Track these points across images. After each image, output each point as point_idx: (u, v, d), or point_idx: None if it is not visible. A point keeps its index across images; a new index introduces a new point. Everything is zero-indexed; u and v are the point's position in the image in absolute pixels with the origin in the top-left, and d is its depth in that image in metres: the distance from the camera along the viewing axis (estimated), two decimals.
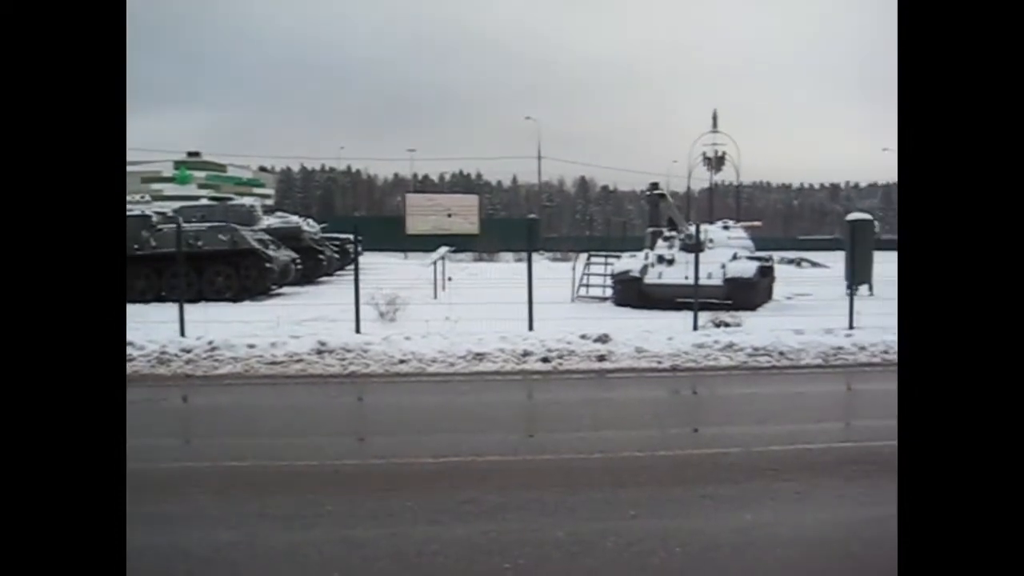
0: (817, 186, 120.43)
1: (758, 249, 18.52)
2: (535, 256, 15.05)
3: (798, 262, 35.87)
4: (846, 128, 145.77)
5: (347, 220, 38.32)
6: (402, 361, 9.04)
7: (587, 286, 18.40)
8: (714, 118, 41.28)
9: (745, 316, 12.64)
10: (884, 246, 32.18)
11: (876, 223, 22.35)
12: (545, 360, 9.23)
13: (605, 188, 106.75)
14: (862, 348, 9.95)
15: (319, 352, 9.15)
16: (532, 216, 55.57)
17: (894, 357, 9.72)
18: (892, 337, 10.30)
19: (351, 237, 20.54)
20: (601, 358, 9.34)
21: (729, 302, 14.53)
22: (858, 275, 18.46)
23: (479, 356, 9.18)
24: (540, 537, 4.09)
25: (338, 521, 4.33)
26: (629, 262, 16.98)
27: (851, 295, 12.38)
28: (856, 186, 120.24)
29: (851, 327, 11.07)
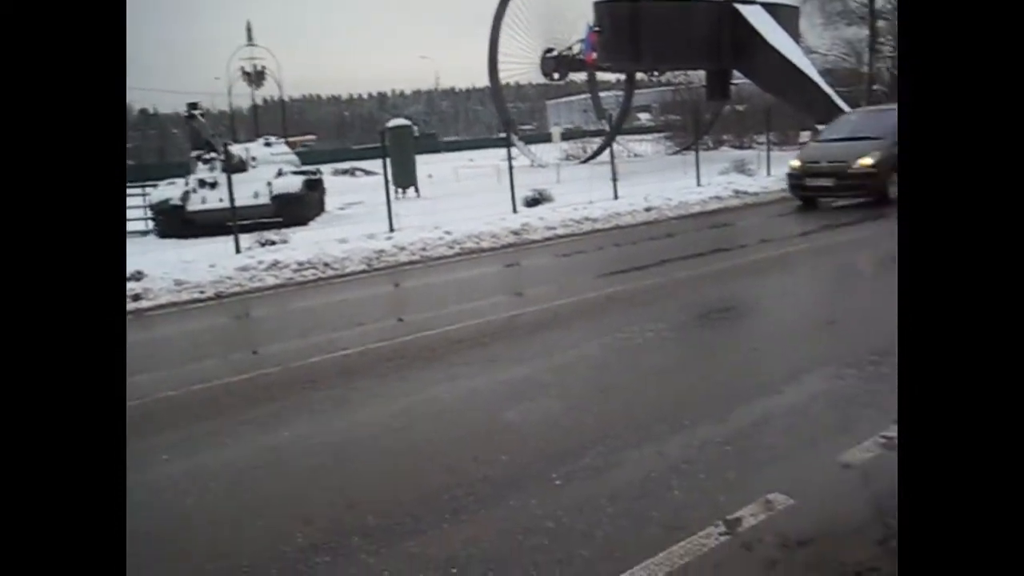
0: (367, 96, 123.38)
1: (313, 162, 18.47)
2: None
3: (352, 171, 36.61)
4: (390, 39, 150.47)
5: None
6: None
7: None
8: (248, 31, 39.60)
9: (295, 232, 12.57)
10: (425, 148, 34.12)
11: (415, 128, 23.39)
12: None
13: (144, 112, 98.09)
14: (402, 248, 10.45)
15: None
16: None
17: (432, 253, 10.40)
18: (429, 234, 10.98)
19: None
20: (136, 297, 8.60)
21: (279, 219, 14.33)
22: (402, 179, 19.39)
23: None
24: None
25: None
26: (168, 190, 15.87)
27: (389, 200, 12.79)
28: (402, 93, 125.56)
29: (391, 230, 11.56)
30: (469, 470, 3.72)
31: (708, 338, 6.03)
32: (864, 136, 12.76)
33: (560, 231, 11.63)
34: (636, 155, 32.35)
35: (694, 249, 9.92)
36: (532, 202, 14.12)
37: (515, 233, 11.36)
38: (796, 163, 13.38)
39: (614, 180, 15.13)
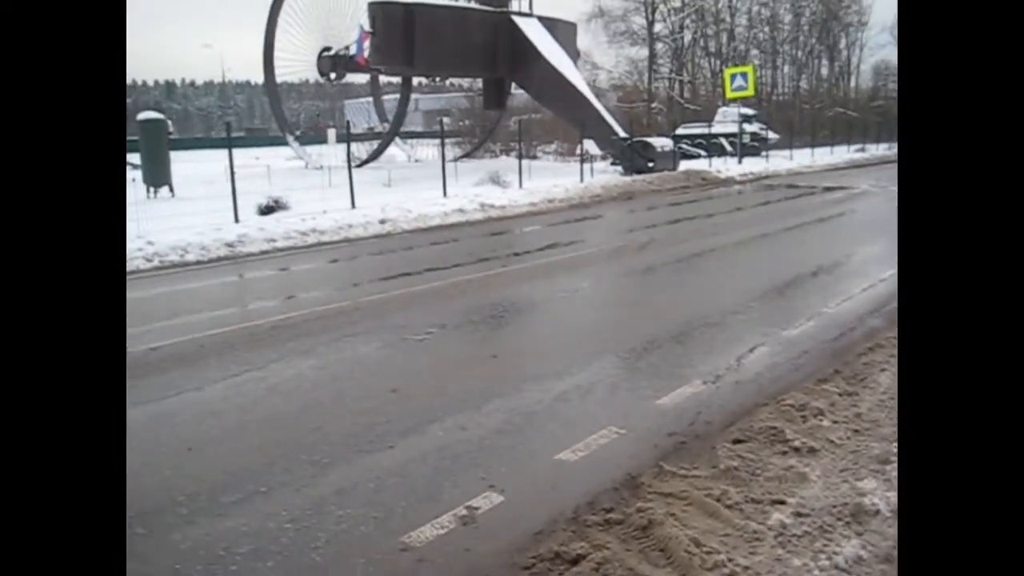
0: (152, 83, 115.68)
1: None
2: None
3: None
4: (176, 26, 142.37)
5: None
6: None
7: None
8: None
9: None
10: (181, 146, 32.03)
11: (169, 123, 21.67)
12: None
13: None
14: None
15: None
16: None
17: (193, 258, 9.42)
18: (191, 237, 10.00)
19: None
20: None
21: None
22: (154, 177, 17.77)
23: None
24: None
25: None
26: None
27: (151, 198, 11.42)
28: (192, 83, 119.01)
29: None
30: None
31: (323, 392, 5.12)
32: None
33: (280, 244, 10.75)
34: (417, 160, 31.88)
35: (390, 272, 9.29)
36: (266, 209, 13.09)
37: (229, 245, 10.38)
38: None
39: (388, 186, 14.37)
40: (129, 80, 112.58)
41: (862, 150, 36.44)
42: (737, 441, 3.99)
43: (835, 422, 4.22)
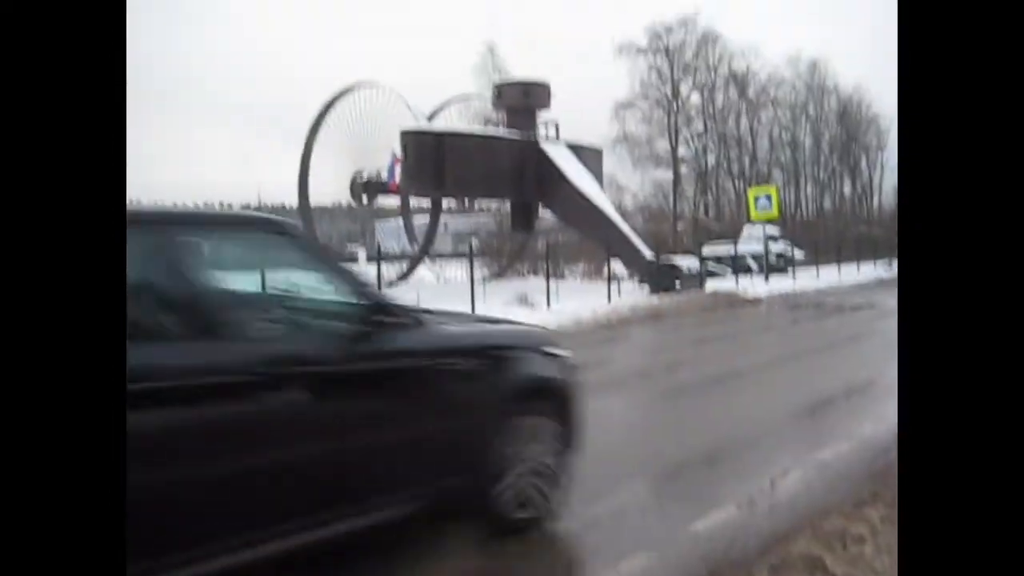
0: (192, 207, 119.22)
1: None
2: None
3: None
4: (214, 151, 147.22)
5: None
6: None
7: None
8: None
9: None
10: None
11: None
12: None
13: None
14: None
15: None
16: None
17: None
18: None
19: None
20: None
21: None
22: None
23: None
24: None
25: None
26: None
27: None
28: (230, 207, 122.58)
29: None
30: None
31: None
32: None
33: None
34: (446, 280, 32.32)
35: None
36: None
37: None
38: None
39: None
40: (169, 203, 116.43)
41: (888, 267, 36.47)
42: (775, 569, 3.86)
43: (877, 549, 4.08)
